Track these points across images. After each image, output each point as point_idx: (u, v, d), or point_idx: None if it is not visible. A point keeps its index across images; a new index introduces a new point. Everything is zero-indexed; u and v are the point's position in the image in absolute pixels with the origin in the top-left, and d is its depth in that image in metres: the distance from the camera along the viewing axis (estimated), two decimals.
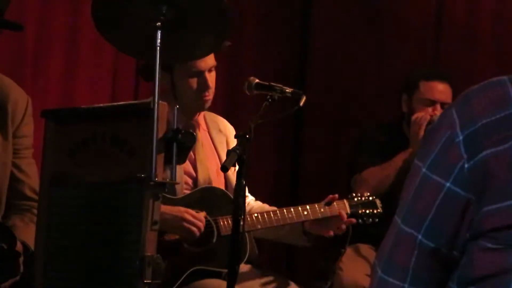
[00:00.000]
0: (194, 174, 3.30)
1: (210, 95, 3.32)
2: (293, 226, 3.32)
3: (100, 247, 2.54)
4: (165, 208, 3.01)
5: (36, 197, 2.92)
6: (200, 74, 3.29)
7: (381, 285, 1.40)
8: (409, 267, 1.38)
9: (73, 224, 2.62)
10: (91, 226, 2.58)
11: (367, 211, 3.48)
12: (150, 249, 2.43)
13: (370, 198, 3.51)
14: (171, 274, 3.05)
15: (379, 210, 3.50)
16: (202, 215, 3.14)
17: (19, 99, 3.02)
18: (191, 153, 3.28)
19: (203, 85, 3.30)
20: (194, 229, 3.08)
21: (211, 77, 3.32)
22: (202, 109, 3.37)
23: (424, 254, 1.37)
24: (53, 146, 2.69)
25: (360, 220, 3.46)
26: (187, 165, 3.27)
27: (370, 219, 3.48)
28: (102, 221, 2.56)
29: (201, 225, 3.11)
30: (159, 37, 2.53)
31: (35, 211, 2.89)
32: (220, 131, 3.46)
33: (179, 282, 3.09)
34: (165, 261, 2.85)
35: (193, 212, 3.11)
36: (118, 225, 2.53)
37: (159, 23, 2.55)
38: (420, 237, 1.37)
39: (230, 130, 3.47)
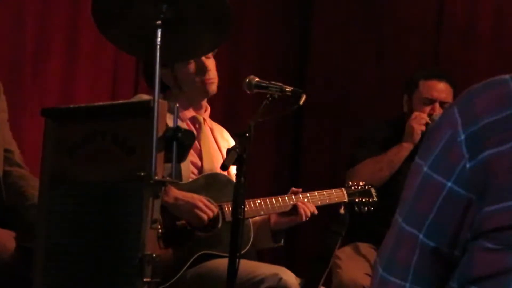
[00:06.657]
0: (199, 163, 3.33)
1: (211, 78, 3.35)
2: (260, 227, 3.36)
3: (100, 245, 2.54)
4: (179, 194, 3.12)
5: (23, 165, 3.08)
6: (197, 59, 3.32)
7: (382, 284, 1.40)
8: (411, 266, 1.38)
9: (73, 223, 2.62)
10: (91, 224, 2.58)
11: (363, 200, 3.56)
12: (150, 247, 2.43)
13: (366, 187, 3.59)
14: (181, 257, 3.12)
15: (374, 199, 3.58)
16: (214, 205, 3.19)
17: None
18: (197, 143, 3.33)
19: (202, 68, 3.33)
20: (204, 216, 3.13)
21: (209, 62, 3.35)
22: (207, 94, 3.38)
23: (425, 254, 1.37)
24: (53, 145, 2.69)
25: (356, 208, 3.54)
26: (193, 155, 3.30)
27: (366, 208, 3.56)
28: (101, 220, 2.56)
29: (211, 213, 3.16)
30: (159, 36, 2.53)
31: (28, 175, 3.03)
32: (223, 137, 3.51)
33: (186, 265, 3.14)
34: (176, 245, 3.07)
35: (205, 200, 3.16)
36: (117, 223, 2.53)
37: (159, 22, 2.55)
38: (421, 236, 1.37)
39: (231, 142, 3.48)
